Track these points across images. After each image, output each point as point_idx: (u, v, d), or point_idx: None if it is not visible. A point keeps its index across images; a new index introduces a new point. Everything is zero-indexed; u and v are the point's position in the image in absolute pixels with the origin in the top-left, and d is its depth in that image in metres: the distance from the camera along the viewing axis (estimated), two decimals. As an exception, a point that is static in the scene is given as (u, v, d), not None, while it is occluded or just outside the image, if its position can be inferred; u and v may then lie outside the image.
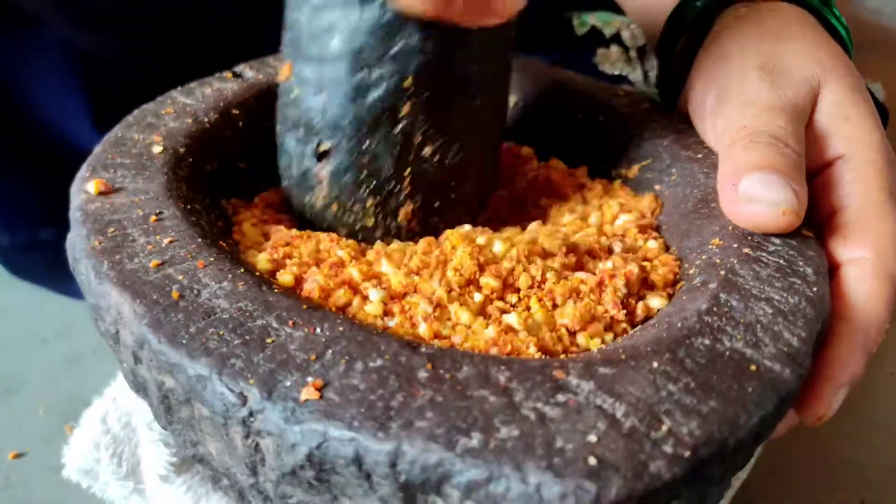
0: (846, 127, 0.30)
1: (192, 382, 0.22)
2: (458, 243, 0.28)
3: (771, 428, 0.22)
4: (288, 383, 0.21)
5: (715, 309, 0.24)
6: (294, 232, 0.30)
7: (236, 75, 0.38)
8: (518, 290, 0.27)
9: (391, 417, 0.20)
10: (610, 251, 0.29)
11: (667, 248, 0.31)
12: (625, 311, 0.26)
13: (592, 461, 0.19)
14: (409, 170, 0.30)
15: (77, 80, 0.45)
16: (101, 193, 0.29)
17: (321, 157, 0.31)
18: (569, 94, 0.39)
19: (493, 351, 0.24)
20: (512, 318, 0.25)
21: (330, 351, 0.22)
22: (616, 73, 0.50)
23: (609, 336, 0.26)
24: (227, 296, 0.24)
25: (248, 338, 0.23)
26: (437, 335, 0.25)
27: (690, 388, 0.21)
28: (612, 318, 0.26)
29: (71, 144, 0.44)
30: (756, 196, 0.27)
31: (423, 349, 0.22)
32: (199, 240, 0.26)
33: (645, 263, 0.29)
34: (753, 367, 0.22)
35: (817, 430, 0.39)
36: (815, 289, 0.26)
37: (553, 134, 0.39)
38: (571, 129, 0.38)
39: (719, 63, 0.33)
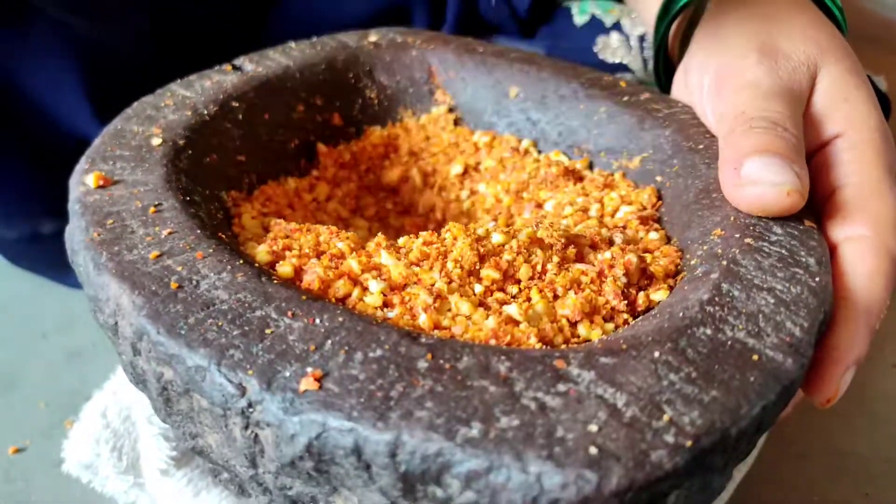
0: (844, 107, 0.30)
1: (191, 373, 0.22)
2: (459, 235, 0.28)
3: (773, 417, 0.22)
4: (287, 374, 0.21)
5: (717, 299, 0.24)
6: (294, 225, 0.30)
7: (236, 68, 0.38)
8: (518, 282, 0.27)
9: (391, 407, 0.20)
10: (610, 242, 0.29)
11: (668, 240, 0.31)
12: (626, 302, 0.26)
13: (593, 451, 0.19)
14: None
15: (77, 71, 0.45)
16: (100, 186, 0.29)
17: None
18: (569, 86, 0.38)
19: (494, 342, 0.24)
20: (513, 309, 0.25)
21: (329, 341, 0.22)
22: (616, 61, 0.50)
23: (610, 326, 0.26)
24: (226, 287, 0.24)
25: (247, 328, 0.22)
26: (437, 326, 0.25)
27: (692, 377, 0.21)
28: (612, 308, 0.26)
29: (71, 136, 0.44)
30: (759, 178, 0.27)
31: (423, 339, 0.22)
32: (198, 231, 0.26)
33: (645, 255, 0.29)
34: (755, 357, 0.22)
35: (819, 423, 0.39)
36: (817, 279, 0.25)
37: (553, 126, 0.39)
38: (572, 121, 0.38)
39: (716, 45, 0.33)
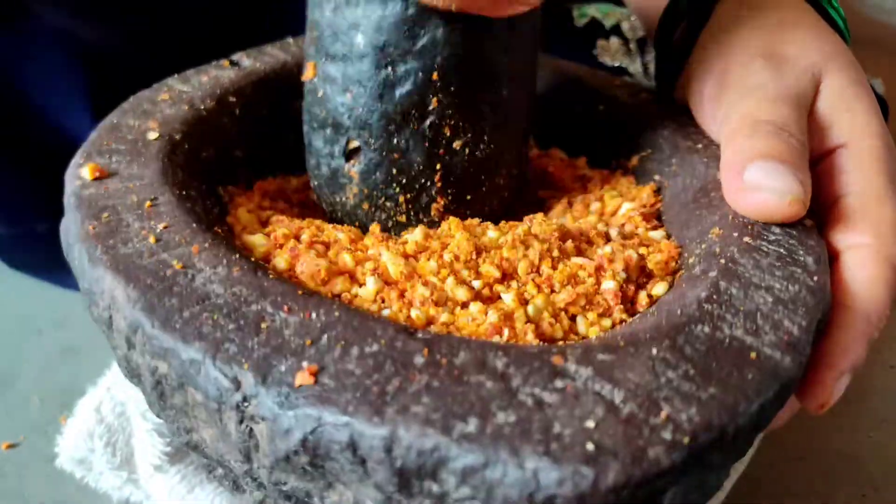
0: (847, 116, 0.30)
1: (185, 367, 0.22)
2: (457, 231, 0.27)
3: (771, 415, 0.22)
4: (282, 368, 0.21)
5: (715, 297, 0.24)
6: (297, 222, 0.29)
7: (233, 63, 0.38)
8: (516, 277, 0.27)
9: (387, 402, 0.20)
10: (607, 238, 0.29)
11: (667, 238, 0.31)
12: (622, 297, 0.26)
13: (590, 447, 0.19)
14: (439, 164, 0.30)
15: (75, 70, 0.45)
16: (95, 179, 0.28)
17: (350, 155, 0.30)
18: (569, 85, 0.38)
19: (493, 338, 0.24)
20: (511, 305, 0.25)
21: (325, 336, 0.22)
22: (616, 65, 0.50)
23: (607, 322, 0.26)
24: (222, 281, 0.24)
25: (242, 323, 0.22)
26: (432, 321, 0.25)
27: (690, 374, 0.21)
28: (611, 304, 0.26)
29: (68, 135, 0.44)
30: (761, 184, 0.27)
31: (420, 335, 0.22)
32: (194, 225, 0.26)
33: (642, 250, 0.28)
34: (753, 355, 0.22)
35: (817, 424, 0.39)
36: (815, 278, 0.25)
37: (553, 124, 0.39)
38: (571, 120, 0.38)
39: (720, 51, 0.33)
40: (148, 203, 0.27)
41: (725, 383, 0.21)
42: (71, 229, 0.27)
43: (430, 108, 0.29)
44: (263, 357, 0.21)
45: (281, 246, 0.27)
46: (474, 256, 0.27)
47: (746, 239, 0.27)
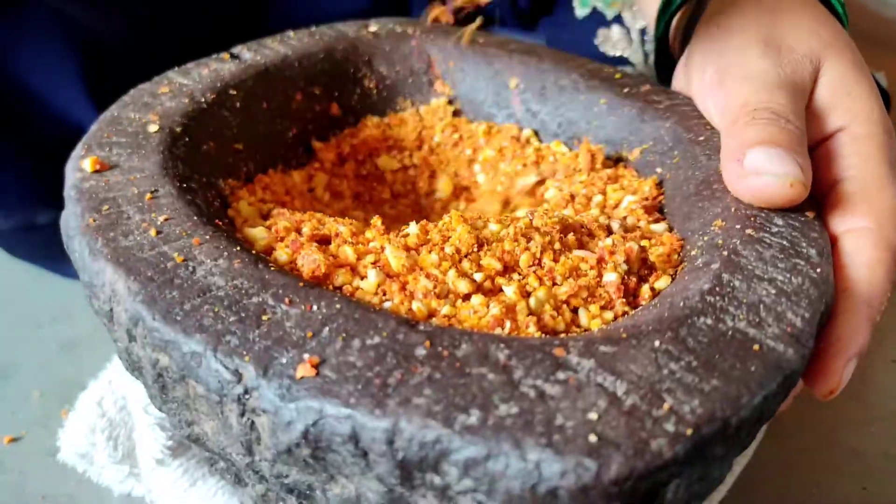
0: (847, 101, 0.30)
1: (186, 360, 0.22)
2: (458, 224, 0.27)
3: (774, 408, 0.22)
4: (284, 360, 0.21)
5: (717, 289, 0.24)
6: (298, 215, 0.29)
7: (234, 56, 0.38)
8: (518, 269, 0.26)
9: (388, 394, 0.20)
10: (609, 230, 0.29)
11: (669, 231, 0.31)
12: (624, 290, 0.26)
13: (593, 438, 0.19)
14: None
15: (74, 59, 0.44)
16: (96, 171, 0.28)
17: None
18: (570, 76, 0.38)
19: (495, 331, 0.24)
20: (512, 297, 0.25)
21: (326, 328, 0.22)
22: (617, 54, 0.50)
23: (609, 315, 0.26)
24: (223, 273, 0.24)
25: (243, 315, 0.22)
26: (434, 313, 0.24)
27: (692, 366, 0.21)
28: (612, 297, 0.26)
29: (67, 125, 0.44)
30: (762, 169, 0.27)
31: (422, 327, 0.22)
32: (195, 218, 0.26)
33: (644, 242, 0.28)
34: (756, 347, 0.22)
35: (818, 417, 0.39)
36: (818, 270, 0.25)
37: (553, 117, 0.38)
38: (572, 112, 0.38)
39: (719, 38, 0.33)
40: (148, 195, 0.27)
41: (728, 375, 0.21)
42: (71, 222, 0.26)
43: None
44: (265, 349, 0.21)
45: (282, 239, 0.27)
46: (475, 249, 0.26)
47: (749, 231, 0.27)
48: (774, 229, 0.27)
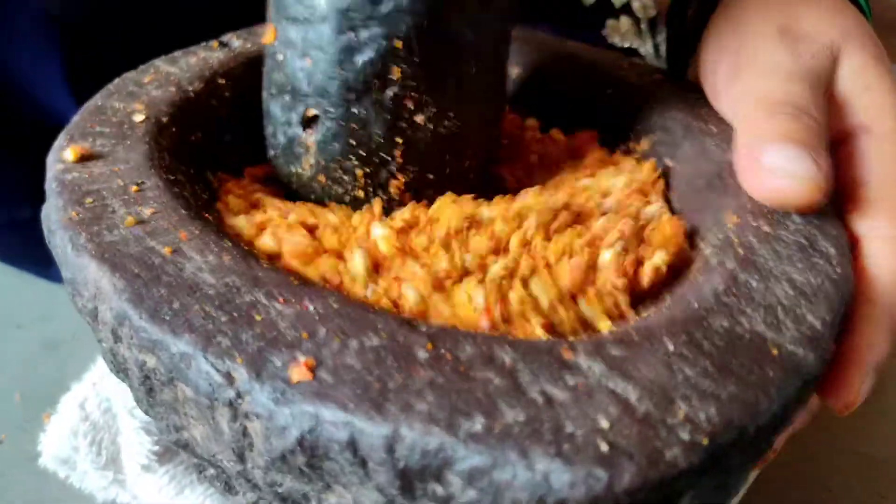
0: (867, 96, 0.30)
1: (175, 361, 0.21)
2: (448, 206, 0.27)
3: (793, 414, 0.21)
4: (278, 362, 0.21)
5: (733, 289, 0.24)
6: (289, 205, 0.29)
7: (223, 44, 0.37)
8: (509, 252, 0.26)
9: (388, 399, 0.19)
10: (603, 212, 0.29)
11: (669, 212, 0.31)
12: (623, 271, 0.26)
13: (604, 447, 0.18)
14: (400, 139, 0.29)
15: (56, 51, 0.44)
16: (79, 160, 0.28)
17: (308, 123, 0.30)
18: (575, 65, 0.38)
19: (485, 321, 0.24)
20: (501, 275, 0.25)
21: (323, 328, 0.21)
22: (626, 45, 0.49)
23: (609, 299, 0.25)
24: (213, 270, 0.23)
25: (235, 314, 0.22)
26: (425, 299, 0.24)
27: (708, 371, 0.21)
28: (610, 279, 0.26)
29: (49, 118, 0.43)
30: (779, 168, 0.26)
31: (423, 328, 0.22)
32: (183, 211, 0.26)
33: (642, 222, 0.28)
34: (774, 351, 0.22)
35: (833, 423, 0.39)
36: (838, 269, 0.25)
37: (558, 106, 0.38)
38: (577, 102, 0.38)
39: (734, 28, 0.32)
40: (134, 188, 0.27)
41: (745, 380, 0.21)
42: (53, 215, 0.26)
43: (393, 78, 0.28)
44: (257, 350, 0.21)
45: (263, 225, 0.27)
46: (466, 231, 0.26)
47: (765, 227, 0.26)
48: (791, 226, 0.27)
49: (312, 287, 0.23)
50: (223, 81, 0.35)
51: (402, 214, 0.28)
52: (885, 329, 0.25)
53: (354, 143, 0.29)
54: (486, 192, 0.32)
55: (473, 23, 0.29)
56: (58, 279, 0.47)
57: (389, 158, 0.29)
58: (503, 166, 0.35)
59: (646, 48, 0.49)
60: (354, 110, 0.29)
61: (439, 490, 0.19)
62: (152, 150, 0.29)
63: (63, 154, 0.28)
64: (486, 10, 0.29)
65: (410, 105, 0.29)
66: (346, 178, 0.30)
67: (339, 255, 0.26)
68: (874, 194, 0.28)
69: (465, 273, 0.25)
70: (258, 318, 0.22)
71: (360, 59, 0.28)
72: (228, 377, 0.21)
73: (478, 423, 0.19)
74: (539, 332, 0.24)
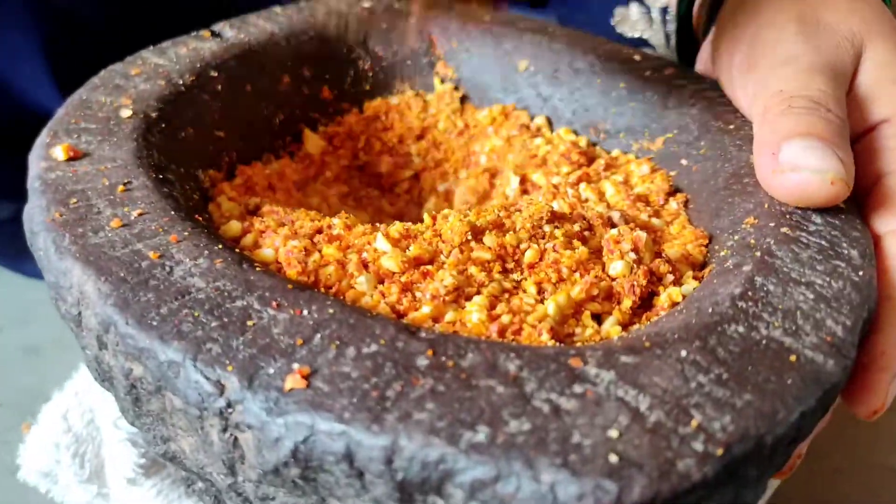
0: (892, 90, 0.30)
1: (163, 369, 0.22)
2: (452, 216, 0.28)
3: (812, 425, 0.22)
4: (271, 370, 0.21)
5: (750, 293, 0.24)
6: (290, 212, 0.29)
7: (215, 34, 0.38)
8: (517, 262, 0.27)
9: (387, 409, 0.20)
10: (610, 222, 0.29)
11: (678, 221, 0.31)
12: (636, 285, 0.26)
13: (613, 458, 0.19)
14: None
15: (39, 42, 0.44)
16: (63, 160, 0.28)
17: None
18: (584, 58, 0.38)
19: (494, 327, 0.24)
20: (508, 286, 0.25)
21: (318, 335, 0.22)
22: (636, 35, 0.49)
23: (615, 311, 0.26)
24: (203, 274, 0.24)
25: (226, 320, 0.22)
26: (439, 319, 0.24)
27: (723, 379, 0.21)
28: (616, 290, 0.26)
29: (32, 112, 0.44)
30: (799, 164, 0.27)
31: (423, 334, 0.22)
32: (172, 213, 0.26)
33: (656, 231, 0.28)
34: (793, 358, 0.22)
35: (856, 435, 0.39)
36: (860, 273, 0.25)
37: (567, 103, 0.38)
38: (587, 98, 0.38)
39: (749, 17, 0.33)
40: (121, 187, 0.27)
41: (762, 389, 0.21)
42: (36, 216, 0.26)
43: None
44: (250, 358, 0.21)
45: (262, 233, 0.27)
46: (471, 241, 0.27)
47: (784, 229, 0.26)
48: (812, 228, 0.27)
49: (308, 291, 0.23)
50: (215, 74, 0.35)
51: (406, 225, 0.28)
52: None
53: None
54: None
55: None
56: (36, 274, 0.47)
57: None
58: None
59: (656, 38, 0.49)
60: None
61: (440, 503, 0.19)
62: (140, 147, 0.29)
63: (46, 151, 0.29)
64: None
65: None
66: None
67: (343, 265, 0.26)
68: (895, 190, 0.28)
69: (472, 285, 0.26)
70: (250, 323, 0.22)
71: None
72: (219, 386, 0.21)
73: (480, 433, 0.19)
74: (546, 339, 0.24)
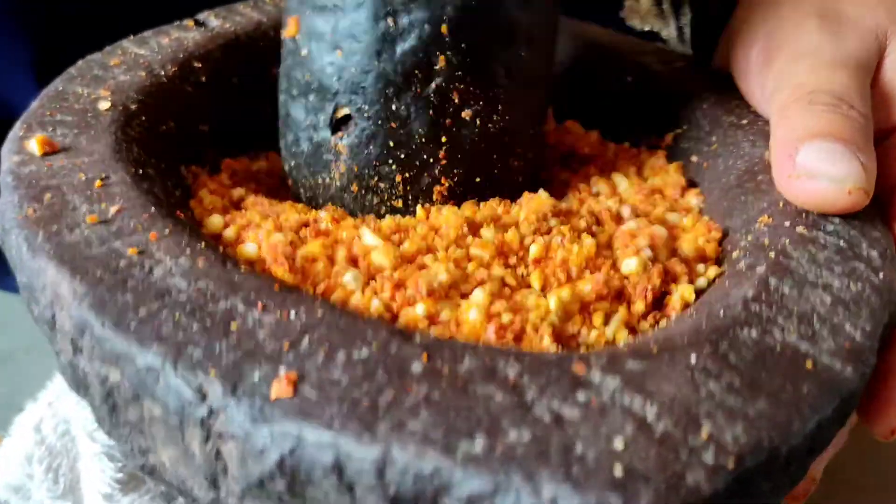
0: None
1: (141, 375, 0.22)
2: (449, 211, 0.28)
3: (830, 436, 0.22)
4: (256, 376, 0.21)
5: (764, 296, 0.24)
6: (276, 205, 0.29)
7: (199, 24, 0.38)
8: (520, 258, 0.27)
9: (379, 417, 0.20)
10: (619, 217, 0.29)
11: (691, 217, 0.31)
12: (650, 285, 0.26)
13: (618, 471, 0.19)
14: (445, 137, 0.29)
15: (18, 33, 0.44)
16: (44, 154, 0.28)
17: (338, 125, 0.30)
18: (593, 51, 0.38)
19: (492, 327, 0.24)
20: (508, 284, 0.26)
21: (306, 339, 0.22)
22: (646, 28, 0.50)
23: (621, 310, 0.26)
24: (185, 274, 0.24)
25: (208, 323, 0.22)
26: (434, 319, 0.25)
27: (735, 386, 0.21)
28: (628, 289, 0.26)
29: (9, 106, 0.44)
30: (817, 170, 0.27)
31: (418, 338, 0.22)
32: (152, 209, 0.26)
33: (671, 228, 0.29)
34: (809, 364, 0.22)
35: (879, 452, 0.39)
36: (881, 275, 0.25)
37: (574, 96, 0.38)
38: (595, 92, 0.38)
39: (767, 9, 0.33)
40: (98, 183, 0.27)
41: (776, 397, 0.21)
42: (7, 213, 0.26)
43: (437, 67, 0.28)
44: (233, 363, 0.21)
45: (245, 227, 0.28)
46: (469, 237, 0.27)
47: (800, 229, 0.27)
48: (830, 227, 0.27)
49: (296, 293, 0.23)
50: (199, 65, 0.35)
51: (400, 218, 0.28)
52: None
53: (393, 144, 0.29)
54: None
55: (523, 2, 0.29)
56: (9, 287, 0.47)
57: (432, 160, 0.29)
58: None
59: (668, 31, 0.50)
60: (393, 107, 0.29)
61: (435, 518, 0.19)
62: (119, 141, 0.29)
63: (20, 145, 0.29)
64: None
65: (456, 98, 0.29)
66: (382, 185, 0.30)
67: (332, 260, 0.26)
68: None
69: (469, 282, 0.26)
70: (234, 326, 0.22)
71: (401, 48, 0.28)
72: (200, 392, 0.21)
73: (478, 444, 0.19)
74: (548, 344, 0.24)
